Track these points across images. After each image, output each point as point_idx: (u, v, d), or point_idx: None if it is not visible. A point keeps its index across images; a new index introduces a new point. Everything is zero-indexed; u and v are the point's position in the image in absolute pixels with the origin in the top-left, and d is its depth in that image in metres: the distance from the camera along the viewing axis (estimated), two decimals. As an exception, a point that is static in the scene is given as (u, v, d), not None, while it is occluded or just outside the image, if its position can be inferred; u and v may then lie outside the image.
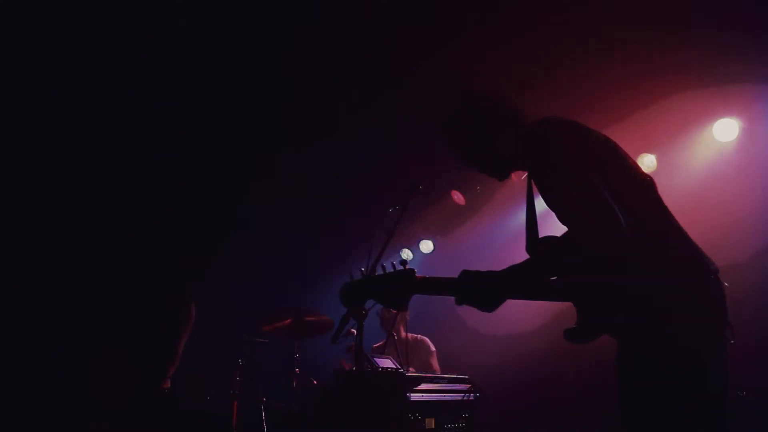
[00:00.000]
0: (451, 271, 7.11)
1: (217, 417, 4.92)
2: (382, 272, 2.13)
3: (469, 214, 6.65)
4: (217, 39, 4.61)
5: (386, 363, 4.44)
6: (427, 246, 7.10)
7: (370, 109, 5.36)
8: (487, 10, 4.35)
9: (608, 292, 1.91)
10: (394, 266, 2.13)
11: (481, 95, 2.39)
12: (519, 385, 5.46)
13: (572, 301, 2.16)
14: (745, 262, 4.20)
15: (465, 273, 2.19)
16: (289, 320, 4.88)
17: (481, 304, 2.18)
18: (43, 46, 4.35)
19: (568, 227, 2.00)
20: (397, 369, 4.26)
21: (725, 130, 4.83)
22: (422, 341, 5.45)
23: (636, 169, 2.02)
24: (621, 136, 2.31)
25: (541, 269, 2.08)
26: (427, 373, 5.04)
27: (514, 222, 6.38)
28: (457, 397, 4.21)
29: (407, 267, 2.15)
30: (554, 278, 1.98)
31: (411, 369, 5.04)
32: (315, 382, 4.72)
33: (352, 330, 4.12)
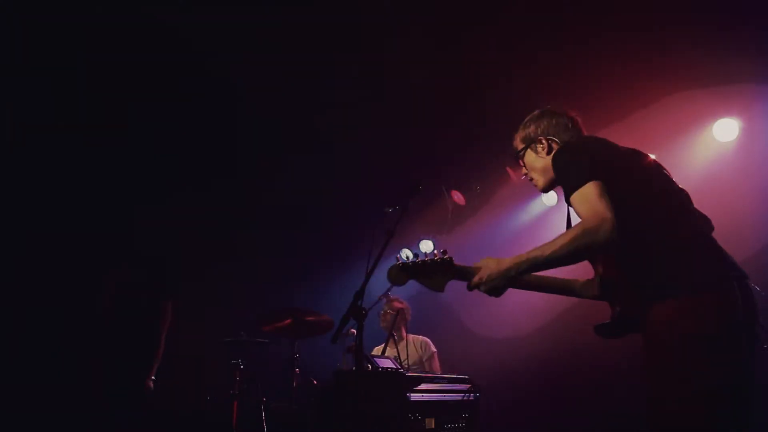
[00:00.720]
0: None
1: (217, 417, 4.92)
2: (425, 258, 2.38)
3: (469, 214, 6.65)
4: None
5: (386, 363, 4.44)
6: (427, 246, 7.10)
7: (370, 108, 5.37)
8: (487, 10, 4.36)
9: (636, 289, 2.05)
10: (435, 254, 2.35)
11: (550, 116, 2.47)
12: (519, 386, 5.46)
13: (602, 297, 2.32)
14: (745, 262, 4.20)
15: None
16: (289, 320, 4.88)
17: (496, 293, 2.32)
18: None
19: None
20: (397, 369, 4.26)
21: (725, 130, 4.83)
22: (423, 341, 5.45)
23: (659, 180, 2.20)
24: (621, 135, 2.32)
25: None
26: (427, 373, 5.04)
27: (514, 222, 6.39)
28: (457, 397, 4.21)
29: (447, 255, 2.35)
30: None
31: (411, 369, 5.05)
32: (315, 382, 4.72)
33: (352, 330, 4.12)
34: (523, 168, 2.53)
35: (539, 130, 2.43)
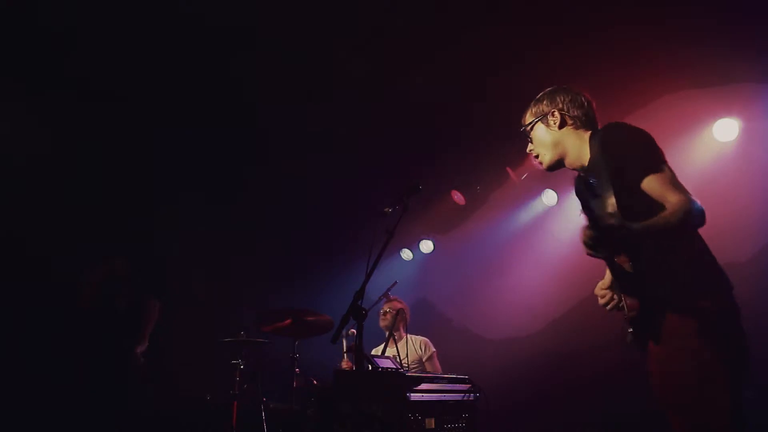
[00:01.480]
0: (451, 270, 7.14)
1: (217, 417, 4.92)
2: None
3: (469, 214, 6.65)
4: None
5: (386, 363, 4.44)
6: (427, 246, 7.10)
7: (369, 109, 5.37)
8: (487, 10, 4.36)
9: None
10: None
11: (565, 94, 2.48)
12: (519, 386, 5.46)
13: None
14: (745, 262, 4.21)
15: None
16: (289, 320, 4.87)
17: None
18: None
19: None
20: (397, 369, 4.26)
21: (725, 130, 4.82)
22: (423, 341, 5.45)
23: None
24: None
25: None
26: (427, 373, 5.04)
27: (514, 222, 6.39)
28: (457, 397, 4.21)
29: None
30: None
31: (410, 368, 5.05)
32: (315, 382, 4.72)
33: (352, 330, 4.12)
34: (530, 144, 2.52)
35: (552, 103, 2.44)
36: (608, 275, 2.34)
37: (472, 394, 4.25)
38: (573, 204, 5.76)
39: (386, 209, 3.10)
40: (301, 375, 4.84)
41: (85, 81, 4.87)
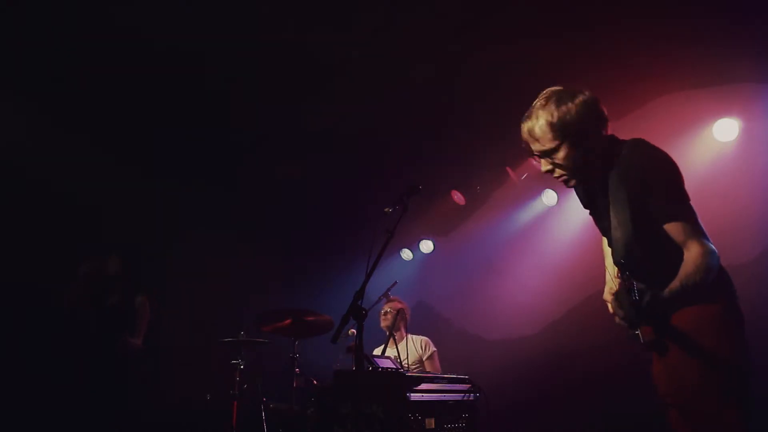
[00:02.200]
0: (451, 271, 7.14)
1: (217, 417, 4.92)
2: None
3: (469, 214, 6.65)
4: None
5: (386, 363, 4.44)
6: (427, 246, 7.10)
7: (369, 108, 5.37)
8: (486, 10, 4.36)
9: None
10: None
11: (589, 105, 2.22)
12: (519, 386, 5.46)
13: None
14: (746, 263, 4.20)
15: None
16: (289, 320, 4.87)
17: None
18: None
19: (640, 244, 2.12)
20: (397, 369, 4.26)
21: (725, 130, 4.82)
22: (423, 340, 5.45)
23: None
24: (620, 135, 2.31)
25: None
26: (427, 372, 5.04)
27: (514, 222, 6.39)
28: (457, 397, 4.21)
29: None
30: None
31: (411, 368, 5.05)
32: (315, 382, 4.72)
33: (352, 330, 4.12)
34: (546, 162, 2.27)
35: (581, 119, 2.16)
36: (611, 281, 2.34)
37: (472, 394, 4.25)
38: (573, 204, 5.77)
39: (386, 209, 3.09)
40: (301, 375, 4.83)
41: (86, 82, 4.87)
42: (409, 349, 5.16)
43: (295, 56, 4.86)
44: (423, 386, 3.98)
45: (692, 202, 2.13)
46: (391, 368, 4.27)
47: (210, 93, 5.21)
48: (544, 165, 2.29)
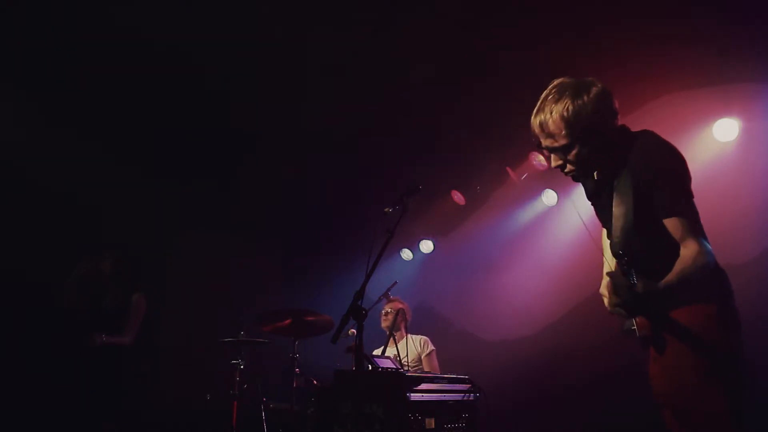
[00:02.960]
0: (451, 271, 7.13)
1: (217, 417, 4.92)
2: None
3: (469, 214, 6.65)
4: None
5: (386, 363, 4.44)
6: (427, 246, 7.10)
7: (369, 108, 5.37)
8: (486, 10, 4.36)
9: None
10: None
11: (603, 98, 2.15)
12: (519, 387, 5.46)
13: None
14: (745, 263, 4.20)
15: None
16: (289, 320, 4.87)
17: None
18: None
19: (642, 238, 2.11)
20: (397, 369, 4.26)
21: (725, 130, 4.82)
22: (422, 339, 5.46)
23: None
24: (621, 135, 2.31)
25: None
26: (427, 372, 5.05)
27: (514, 222, 6.39)
28: (457, 397, 4.21)
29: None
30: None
31: (410, 366, 5.05)
32: (315, 382, 4.72)
33: (352, 330, 4.12)
34: (556, 158, 2.22)
35: (598, 113, 2.11)
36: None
37: (472, 394, 4.25)
38: (573, 204, 5.77)
39: (386, 209, 3.09)
40: (301, 375, 4.84)
41: (86, 81, 4.88)
42: (409, 348, 5.16)
43: (295, 56, 4.86)
44: (423, 386, 3.98)
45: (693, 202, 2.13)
46: (391, 368, 4.27)
47: (210, 93, 5.21)
48: (554, 161, 2.23)
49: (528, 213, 6.29)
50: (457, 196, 6.48)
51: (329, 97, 5.28)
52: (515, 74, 4.71)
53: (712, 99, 4.69)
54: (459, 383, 4.29)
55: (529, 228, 6.25)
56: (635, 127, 2.30)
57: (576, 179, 2.31)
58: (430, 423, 3.91)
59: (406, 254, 7.26)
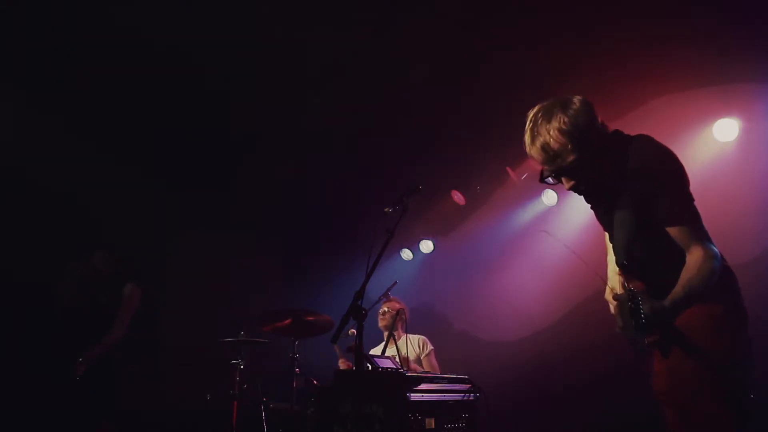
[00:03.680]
0: (451, 271, 7.13)
1: (217, 417, 4.92)
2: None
3: (469, 214, 6.65)
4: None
5: (386, 363, 4.44)
6: (427, 246, 7.10)
7: (369, 108, 5.37)
8: (486, 11, 4.36)
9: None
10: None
11: (589, 105, 2.16)
12: (519, 387, 5.46)
13: None
14: (746, 264, 4.19)
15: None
16: (289, 320, 4.87)
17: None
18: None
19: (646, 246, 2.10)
20: (397, 369, 4.26)
21: (725, 130, 4.82)
22: (421, 339, 5.46)
23: None
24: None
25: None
26: (426, 372, 5.04)
27: (514, 222, 6.39)
28: (457, 397, 4.22)
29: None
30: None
31: (410, 367, 5.05)
32: (315, 382, 4.72)
33: (352, 330, 4.12)
34: (567, 180, 2.18)
35: (591, 118, 2.12)
36: (614, 277, 2.31)
37: (472, 394, 4.25)
38: (573, 204, 5.77)
39: (386, 209, 3.10)
40: (301, 375, 4.84)
41: (86, 81, 4.88)
42: (408, 348, 5.16)
43: (295, 56, 4.86)
44: (423, 386, 3.98)
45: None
46: (391, 368, 4.27)
47: (210, 93, 5.21)
48: (566, 183, 2.18)
49: (528, 213, 6.29)
50: (457, 196, 6.48)
51: (329, 97, 5.27)
52: (515, 74, 4.71)
53: (712, 99, 4.69)
54: (459, 383, 4.29)
55: (529, 228, 6.25)
56: (636, 128, 2.29)
57: (590, 197, 2.26)
58: (430, 423, 3.91)
59: (406, 254, 7.26)
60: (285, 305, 5.26)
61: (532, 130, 2.14)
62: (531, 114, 2.17)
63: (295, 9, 4.39)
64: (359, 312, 2.79)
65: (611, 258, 2.44)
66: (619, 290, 2.12)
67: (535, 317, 5.86)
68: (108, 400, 4.30)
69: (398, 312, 5.29)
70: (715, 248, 2.04)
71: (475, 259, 6.59)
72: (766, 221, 4.51)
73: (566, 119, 2.08)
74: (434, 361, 5.36)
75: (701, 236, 2.04)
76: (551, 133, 2.09)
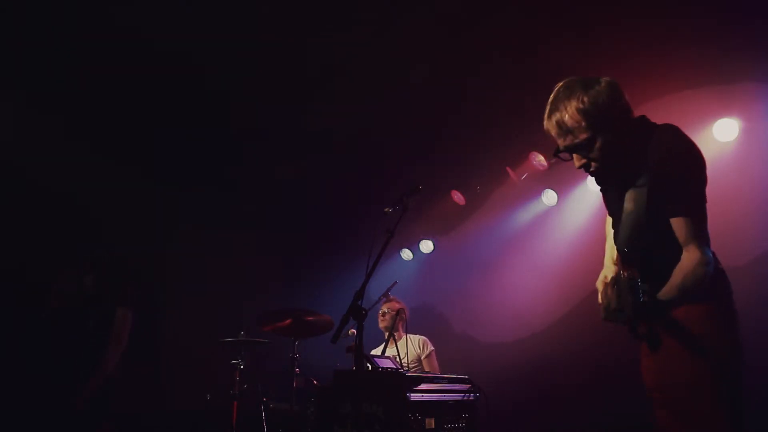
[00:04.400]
0: (451, 271, 7.13)
1: (217, 417, 4.92)
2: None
3: (469, 214, 6.65)
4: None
5: (386, 363, 4.44)
6: (427, 246, 7.10)
7: (369, 108, 5.37)
8: (486, 11, 4.36)
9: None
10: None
11: (615, 87, 2.12)
12: (518, 387, 5.46)
13: None
14: (745, 264, 4.19)
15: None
16: (289, 320, 4.87)
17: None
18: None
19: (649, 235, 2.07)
20: (397, 369, 4.26)
21: (725, 130, 4.82)
22: (421, 340, 5.46)
23: None
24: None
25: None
26: (427, 372, 5.05)
27: (514, 222, 6.39)
28: (457, 397, 4.21)
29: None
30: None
31: (410, 367, 5.05)
32: (315, 382, 4.72)
33: (352, 330, 4.12)
34: (579, 158, 2.14)
35: (613, 101, 2.08)
36: (609, 268, 2.28)
37: (472, 394, 4.25)
38: (573, 204, 5.78)
39: (386, 209, 3.10)
40: (301, 375, 4.84)
41: (86, 82, 4.88)
42: (408, 349, 5.16)
43: (295, 56, 4.86)
44: (423, 386, 3.98)
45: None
46: (391, 368, 4.27)
47: (210, 93, 5.21)
48: (577, 161, 2.15)
49: (528, 213, 6.29)
50: (457, 196, 6.48)
51: (329, 97, 5.27)
52: (515, 74, 4.71)
53: (712, 99, 4.69)
54: (459, 383, 4.29)
55: (529, 228, 6.25)
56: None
57: (600, 176, 2.21)
58: (430, 423, 3.91)
59: (406, 254, 7.26)
60: (285, 305, 5.27)
61: (551, 104, 2.14)
62: (555, 88, 2.16)
63: (295, 9, 4.39)
64: (359, 312, 2.79)
65: (610, 245, 2.41)
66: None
67: (536, 317, 5.85)
68: (107, 400, 4.28)
69: (398, 312, 5.29)
70: (710, 254, 2.02)
71: (475, 259, 6.59)
72: (766, 221, 4.51)
73: (585, 98, 2.06)
74: (435, 362, 5.36)
75: (702, 238, 2.02)
76: (568, 109, 2.07)
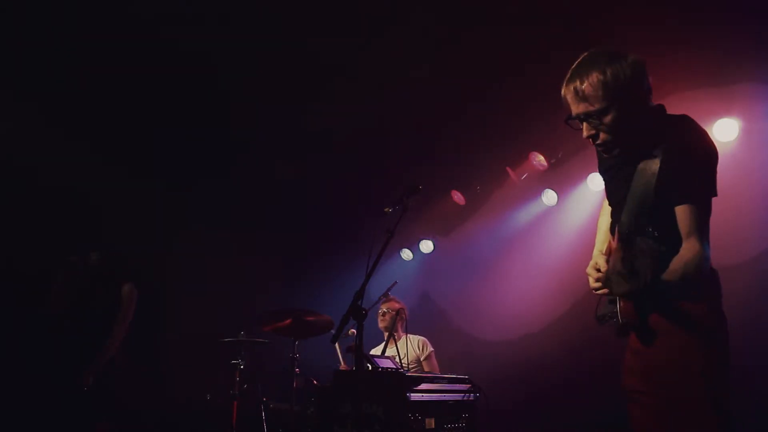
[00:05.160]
0: (451, 271, 7.14)
1: (217, 417, 4.92)
2: None
3: (469, 214, 6.65)
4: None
5: (386, 363, 4.44)
6: (427, 246, 7.10)
7: (369, 108, 5.37)
8: (486, 11, 4.36)
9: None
10: None
11: (641, 66, 2.11)
12: (518, 387, 5.46)
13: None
14: (745, 264, 4.19)
15: None
16: (289, 320, 4.87)
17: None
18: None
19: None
20: (397, 369, 4.26)
21: (725, 130, 4.82)
22: (421, 340, 5.46)
23: None
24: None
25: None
26: (427, 372, 5.05)
27: (514, 222, 6.39)
28: (457, 397, 4.22)
29: None
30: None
31: (409, 367, 5.05)
32: (315, 382, 4.72)
33: (352, 330, 4.13)
34: (588, 127, 2.10)
35: (636, 79, 2.06)
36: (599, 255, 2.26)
37: (471, 394, 4.25)
38: (573, 204, 5.77)
39: (386, 209, 3.10)
40: (301, 375, 4.84)
41: (86, 81, 4.88)
42: (408, 349, 5.16)
43: (296, 56, 4.86)
44: (423, 386, 3.98)
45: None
46: (391, 368, 4.27)
47: (210, 93, 5.21)
48: (587, 130, 2.11)
49: (528, 213, 6.29)
50: (457, 196, 6.48)
51: (329, 97, 5.27)
52: (515, 75, 4.71)
53: (712, 99, 4.69)
54: (459, 383, 4.29)
55: (529, 228, 6.25)
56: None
57: (608, 152, 2.16)
58: (430, 423, 3.91)
59: (406, 254, 7.26)
60: (285, 305, 5.27)
61: (573, 70, 2.13)
62: (581, 56, 2.16)
63: (295, 9, 4.39)
64: (359, 312, 2.79)
65: (601, 238, 2.39)
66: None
67: (536, 317, 5.85)
68: (106, 399, 4.28)
69: (398, 312, 5.29)
70: (709, 251, 2.01)
71: (475, 259, 6.59)
72: (766, 221, 4.51)
73: (609, 71, 2.04)
74: (434, 363, 5.36)
75: (703, 232, 2.01)
76: (589, 79, 2.06)
